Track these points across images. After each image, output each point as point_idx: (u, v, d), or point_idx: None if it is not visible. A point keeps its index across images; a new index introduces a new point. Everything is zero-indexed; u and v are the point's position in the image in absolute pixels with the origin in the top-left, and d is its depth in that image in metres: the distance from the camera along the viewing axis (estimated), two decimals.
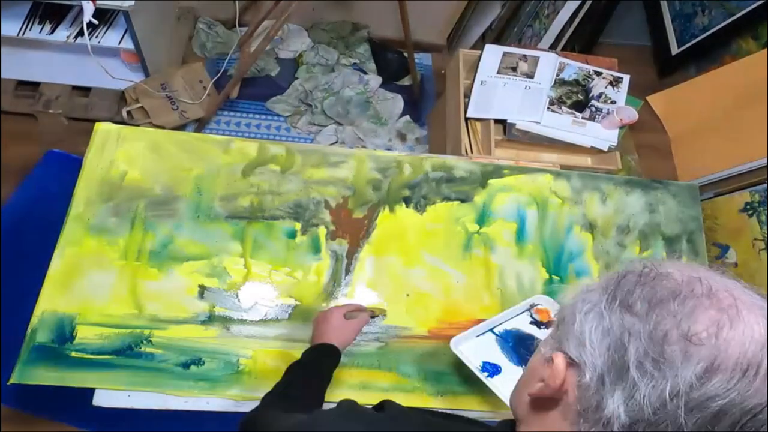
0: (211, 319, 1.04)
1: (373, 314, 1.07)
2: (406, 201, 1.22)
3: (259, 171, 1.19)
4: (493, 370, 1.04)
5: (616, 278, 0.45)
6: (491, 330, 1.09)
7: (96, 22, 1.57)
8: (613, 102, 1.58)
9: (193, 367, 1.00)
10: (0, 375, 1.17)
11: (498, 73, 1.60)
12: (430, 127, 2.15)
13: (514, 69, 1.60)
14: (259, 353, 1.03)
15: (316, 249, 1.14)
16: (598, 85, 1.59)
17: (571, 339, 0.45)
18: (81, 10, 1.54)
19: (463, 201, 1.24)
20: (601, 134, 1.55)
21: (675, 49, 2.34)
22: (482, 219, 1.23)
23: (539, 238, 1.23)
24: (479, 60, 1.63)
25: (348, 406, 0.61)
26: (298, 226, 1.15)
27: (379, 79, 2.22)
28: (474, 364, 1.02)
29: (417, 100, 2.21)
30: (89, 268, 1.04)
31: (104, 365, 0.98)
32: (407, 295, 1.13)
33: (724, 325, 0.38)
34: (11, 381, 0.95)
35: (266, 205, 1.16)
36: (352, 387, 1.03)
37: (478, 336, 1.08)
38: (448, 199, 1.24)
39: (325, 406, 0.82)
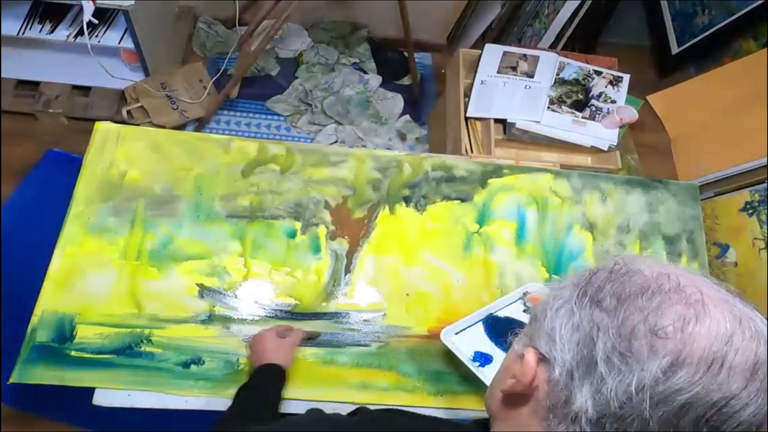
0: (211, 318, 1.04)
1: (308, 336, 1.04)
2: (406, 200, 1.22)
3: (259, 170, 1.19)
4: (484, 360, 1.03)
5: (587, 275, 0.45)
6: (483, 320, 1.09)
7: (96, 21, 1.57)
8: (613, 101, 1.58)
9: (193, 367, 1.00)
10: (0, 374, 1.17)
11: (498, 72, 1.60)
12: (430, 127, 2.15)
13: (514, 68, 1.60)
14: None
15: (316, 248, 1.14)
16: (598, 85, 1.59)
17: (542, 335, 0.45)
18: (81, 10, 1.54)
19: (463, 201, 1.24)
20: (601, 134, 1.55)
21: (675, 49, 2.34)
22: (482, 218, 1.23)
23: (539, 237, 1.23)
24: (479, 59, 1.63)
25: (317, 412, 0.62)
26: (298, 225, 1.15)
27: (379, 79, 2.22)
28: (465, 355, 1.02)
29: (417, 99, 2.21)
30: (89, 268, 1.04)
31: (104, 364, 0.98)
32: (407, 294, 1.13)
33: (691, 319, 0.39)
34: (11, 380, 0.95)
35: (266, 205, 1.16)
36: (352, 387, 1.03)
37: (470, 326, 1.07)
38: (448, 198, 1.24)
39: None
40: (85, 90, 1.92)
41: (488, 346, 1.06)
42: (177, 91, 1.91)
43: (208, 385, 0.99)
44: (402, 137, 2.13)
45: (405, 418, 0.63)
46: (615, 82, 1.60)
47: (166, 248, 1.08)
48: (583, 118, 1.56)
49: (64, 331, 0.99)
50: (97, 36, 1.71)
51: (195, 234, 1.10)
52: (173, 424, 1.37)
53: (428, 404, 1.04)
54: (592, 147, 1.55)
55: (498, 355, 1.04)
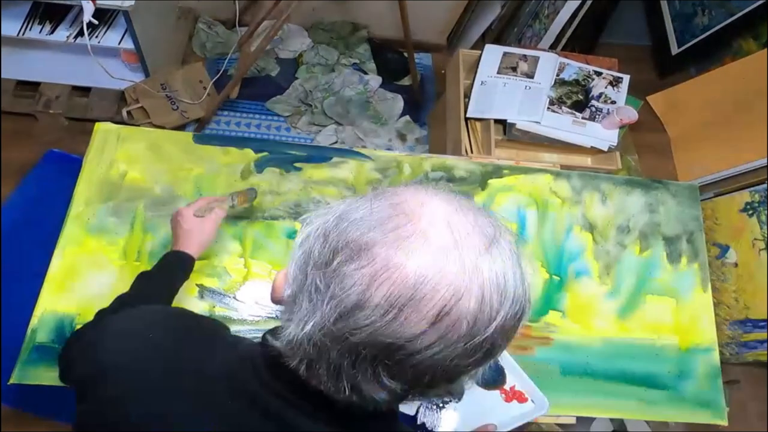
0: None
1: (235, 203, 0.96)
2: None
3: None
4: None
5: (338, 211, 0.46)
6: None
7: (96, 22, 1.57)
8: (613, 102, 1.58)
9: None
10: (0, 375, 1.17)
11: (498, 73, 1.60)
12: (430, 127, 2.15)
13: (514, 69, 1.60)
14: None
15: None
16: (598, 85, 1.59)
17: (291, 257, 0.47)
18: (81, 10, 1.54)
19: None
20: (601, 134, 1.55)
21: (675, 49, 2.33)
22: None
23: (539, 238, 1.23)
24: (479, 60, 1.63)
25: (178, 311, 0.66)
26: (298, 226, 1.15)
27: (379, 79, 2.22)
28: None
29: (417, 100, 2.21)
30: (89, 268, 1.04)
31: None
32: None
33: (381, 267, 0.39)
34: (11, 381, 0.95)
35: (266, 205, 1.16)
36: None
37: None
38: None
39: None
40: (85, 91, 1.92)
41: None
42: (177, 92, 1.91)
43: None
44: (402, 138, 2.13)
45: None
46: (615, 82, 1.60)
47: (166, 249, 1.08)
48: (583, 118, 1.56)
49: (64, 332, 0.99)
50: (97, 37, 1.71)
51: None
52: None
53: None
54: (592, 147, 1.55)
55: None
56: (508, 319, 0.41)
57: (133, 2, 1.53)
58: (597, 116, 1.56)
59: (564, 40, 2.02)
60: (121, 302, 0.82)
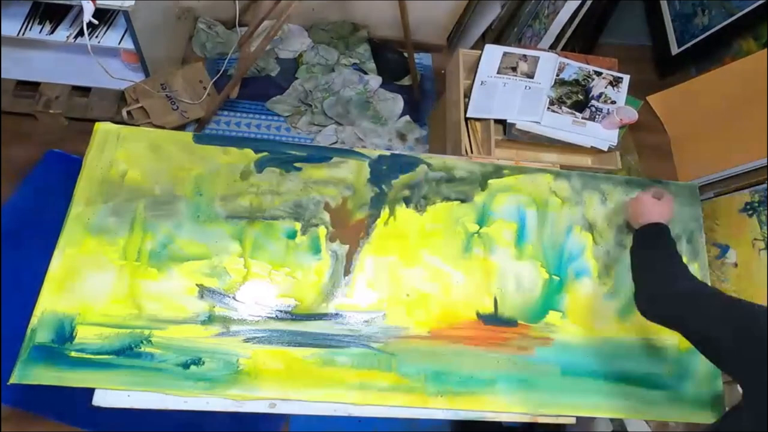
0: (210, 319, 1.04)
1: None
2: (406, 201, 1.22)
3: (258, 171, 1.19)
4: None
5: None
6: None
7: (96, 22, 1.57)
8: (613, 102, 1.57)
9: (192, 367, 1.00)
10: (0, 375, 1.17)
11: (498, 73, 1.60)
12: (430, 127, 2.16)
13: (514, 69, 1.60)
14: (259, 353, 1.03)
15: (315, 249, 1.14)
16: (598, 85, 1.59)
17: None
18: (81, 10, 1.54)
19: (463, 201, 1.24)
20: (601, 134, 1.55)
21: (675, 49, 2.34)
22: (482, 219, 1.23)
23: (539, 238, 1.23)
24: (479, 60, 1.63)
25: None
26: (297, 226, 1.15)
27: (379, 79, 2.22)
28: None
29: (417, 100, 2.21)
30: (89, 268, 1.04)
31: (104, 365, 0.98)
32: (407, 295, 1.13)
33: None
34: (11, 381, 0.95)
35: (266, 205, 1.16)
36: (352, 387, 1.03)
37: None
38: (448, 199, 1.24)
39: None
40: (85, 91, 1.92)
41: None
42: (177, 92, 1.91)
43: (207, 386, 0.99)
44: (402, 138, 2.13)
45: None
46: (615, 82, 1.60)
47: (166, 249, 1.08)
48: (583, 118, 1.56)
49: (64, 332, 0.99)
50: (97, 36, 1.71)
51: (195, 234, 1.10)
52: (172, 425, 1.37)
53: (428, 404, 1.04)
54: (592, 147, 1.55)
55: None
56: None
57: (133, 2, 1.53)
58: (597, 116, 1.56)
59: (564, 40, 2.02)
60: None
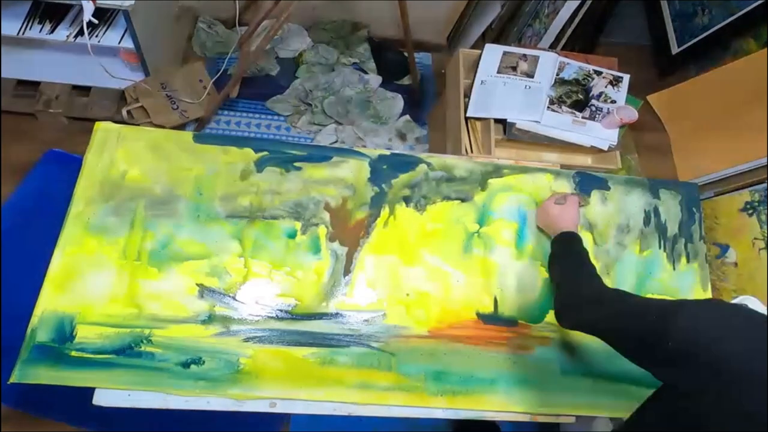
0: (211, 318, 1.04)
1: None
2: (406, 201, 1.22)
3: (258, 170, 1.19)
4: None
5: None
6: None
7: (96, 21, 1.57)
8: (613, 101, 1.58)
9: (193, 367, 1.00)
10: (0, 375, 1.17)
11: (498, 72, 1.60)
12: (430, 127, 2.16)
13: (514, 68, 1.60)
14: (259, 353, 1.03)
15: (316, 249, 1.14)
16: (598, 85, 1.59)
17: None
18: (81, 10, 1.54)
19: (463, 201, 1.24)
20: (601, 134, 1.55)
21: (675, 49, 2.34)
22: (482, 219, 1.23)
23: (539, 238, 1.23)
24: (479, 60, 1.63)
25: None
26: (298, 225, 1.15)
27: (379, 79, 2.22)
28: None
29: (417, 99, 2.21)
30: (89, 268, 1.04)
31: (104, 365, 0.98)
32: (407, 294, 1.13)
33: None
34: (11, 380, 0.95)
35: (266, 205, 1.16)
36: (352, 387, 1.03)
37: None
38: (448, 198, 1.23)
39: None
40: (85, 90, 1.92)
41: None
42: (177, 91, 1.91)
43: (208, 385, 0.99)
44: (402, 137, 2.13)
45: None
46: (615, 82, 1.60)
47: (166, 248, 1.08)
48: (583, 118, 1.56)
49: (64, 331, 0.99)
50: (97, 36, 1.71)
51: (195, 234, 1.10)
52: (173, 424, 1.37)
53: (428, 404, 1.05)
54: (592, 147, 1.55)
55: None
56: None
57: (133, 2, 1.53)
58: (597, 116, 1.56)
59: (564, 40, 2.02)
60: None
